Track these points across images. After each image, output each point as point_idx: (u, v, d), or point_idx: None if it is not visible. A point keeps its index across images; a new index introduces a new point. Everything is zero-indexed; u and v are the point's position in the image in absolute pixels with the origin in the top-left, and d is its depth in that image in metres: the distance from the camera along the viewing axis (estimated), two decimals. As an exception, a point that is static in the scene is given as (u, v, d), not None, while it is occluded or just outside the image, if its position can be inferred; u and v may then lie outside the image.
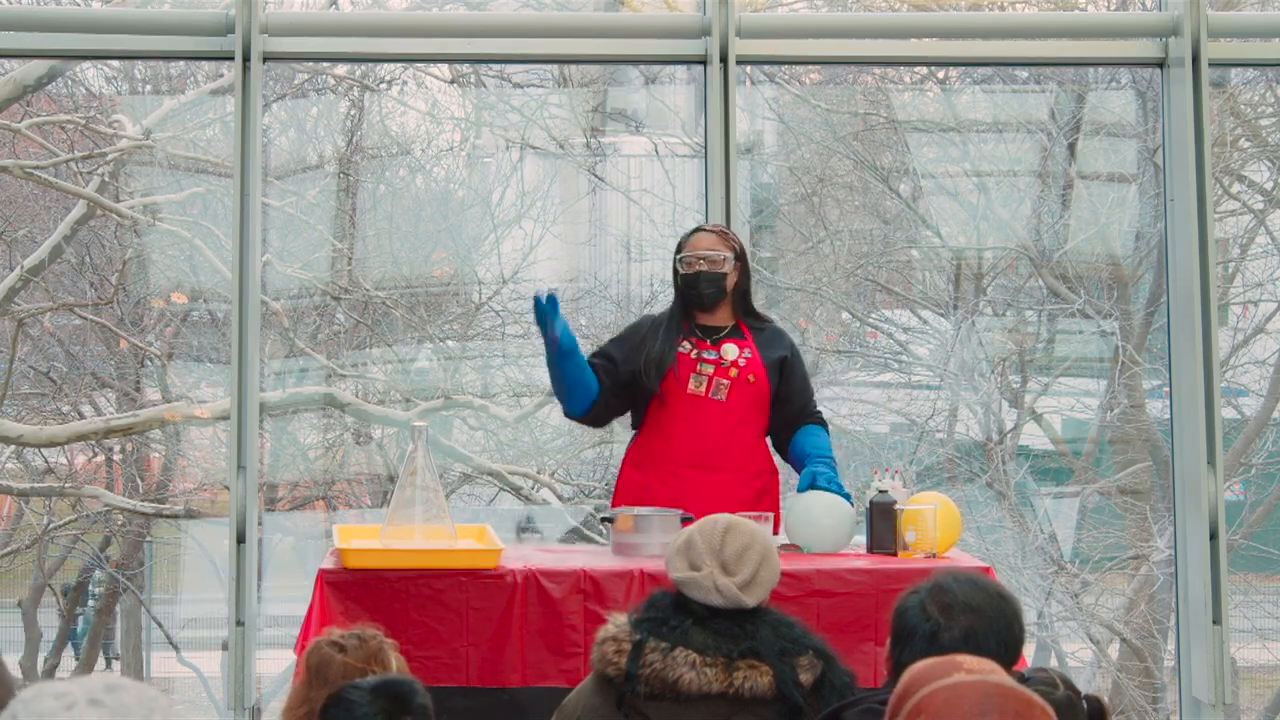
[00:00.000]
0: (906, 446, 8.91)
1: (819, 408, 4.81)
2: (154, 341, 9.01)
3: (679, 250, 4.72)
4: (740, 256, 4.72)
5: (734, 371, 4.63)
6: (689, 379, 4.62)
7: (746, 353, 4.66)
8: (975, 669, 2.28)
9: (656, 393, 4.63)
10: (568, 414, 4.76)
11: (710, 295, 4.66)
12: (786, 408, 4.69)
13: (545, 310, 4.46)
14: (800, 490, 4.53)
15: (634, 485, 4.66)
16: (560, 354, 4.54)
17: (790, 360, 4.70)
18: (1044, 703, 2.26)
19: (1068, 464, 9.10)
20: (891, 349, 9.14)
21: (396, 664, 3.22)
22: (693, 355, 4.64)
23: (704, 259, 4.65)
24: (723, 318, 4.70)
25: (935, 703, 2.24)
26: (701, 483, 4.54)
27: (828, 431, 4.75)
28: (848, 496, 4.49)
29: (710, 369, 4.62)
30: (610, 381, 4.66)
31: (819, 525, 4.39)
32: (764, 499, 4.63)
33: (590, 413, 4.71)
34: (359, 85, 9.00)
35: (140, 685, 1.82)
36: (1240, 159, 9.17)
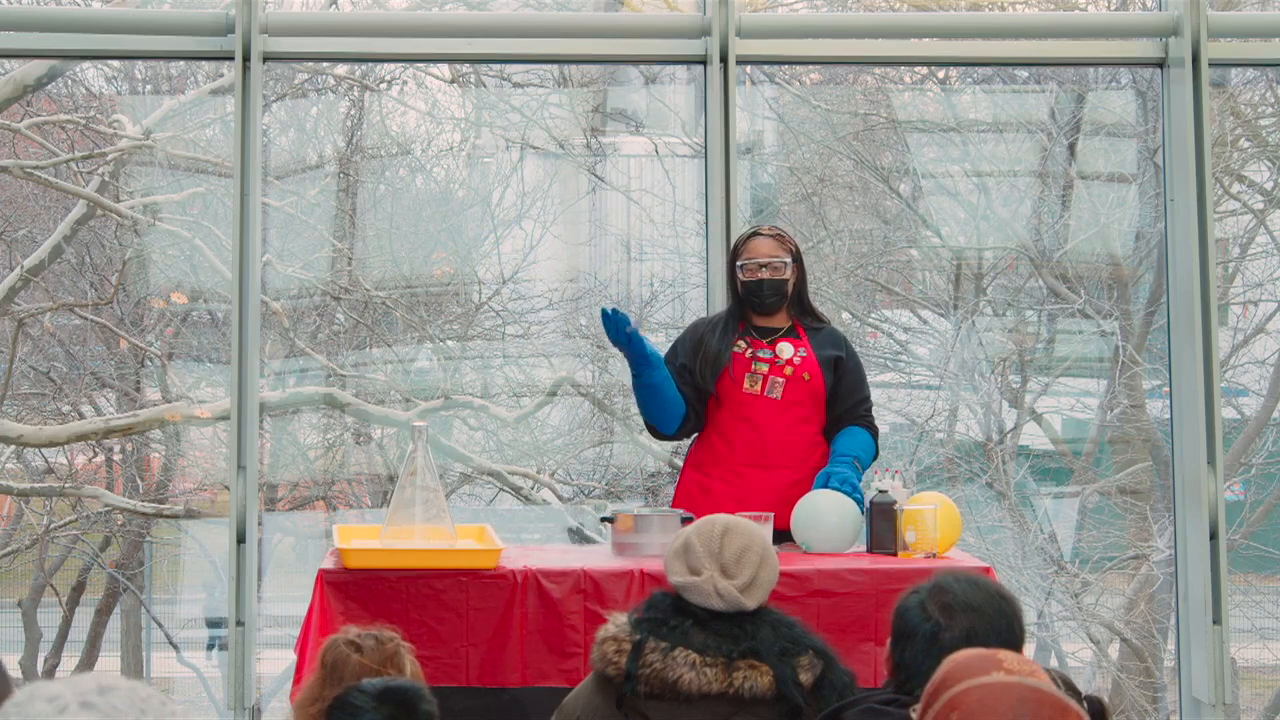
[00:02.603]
0: (906, 446, 8.90)
1: (871, 413, 4.78)
2: (154, 341, 9.01)
3: (736, 255, 4.73)
4: (797, 258, 4.74)
5: (789, 370, 4.64)
6: (744, 378, 4.63)
7: (801, 351, 4.67)
8: (1014, 669, 2.27)
9: (713, 393, 4.64)
10: (661, 434, 4.75)
11: (773, 302, 4.68)
12: (836, 407, 4.69)
13: (618, 323, 4.43)
14: (816, 488, 4.53)
15: (695, 486, 4.68)
16: (649, 371, 4.54)
17: (844, 360, 4.71)
18: (1079, 709, 2.25)
19: (1068, 464, 9.09)
20: (891, 349, 9.13)
21: (410, 668, 3.22)
22: (748, 354, 4.66)
23: (766, 265, 4.66)
24: (780, 319, 4.73)
25: (969, 700, 2.23)
26: (762, 481, 4.55)
27: (874, 435, 4.71)
28: (859, 498, 4.48)
29: (765, 367, 4.65)
30: (691, 392, 4.66)
31: (823, 525, 4.39)
32: None
33: (681, 430, 4.72)
34: (359, 85, 8.99)
35: (134, 684, 1.79)
36: (1240, 159, 9.16)
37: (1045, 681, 2.28)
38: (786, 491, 4.53)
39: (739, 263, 4.70)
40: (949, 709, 2.25)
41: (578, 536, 8.29)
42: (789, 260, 4.69)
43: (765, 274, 4.66)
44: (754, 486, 4.54)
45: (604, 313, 4.47)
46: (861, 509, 4.45)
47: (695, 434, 4.78)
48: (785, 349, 4.68)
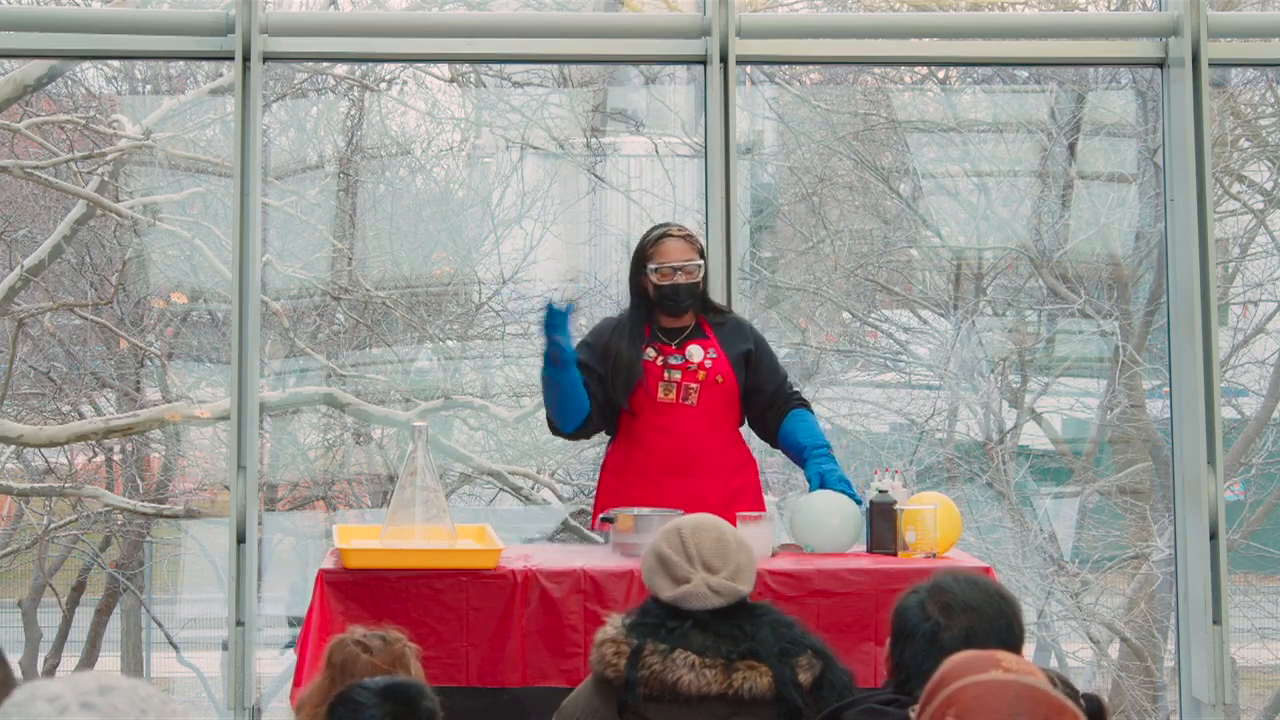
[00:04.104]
0: (906, 446, 8.90)
1: (796, 388, 4.76)
2: (154, 341, 9.00)
3: (646, 257, 4.62)
4: (703, 255, 4.68)
5: (701, 374, 4.59)
6: (658, 388, 4.58)
7: (711, 352, 4.62)
8: (1012, 668, 2.28)
9: (625, 407, 4.60)
10: (559, 431, 4.69)
11: (687, 305, 4.61)
12: (760, 396, 4.65)
13: (558, 319, 4.42)
14: (812, 490, 4.52)
15: (615, 493, 4.63)
16: (560, 366, 4.49)
17: (755, 351, 4.66)
18: (1076, 708, 2.26)
19: (1068, 464, 9.09)
20: (891, 349, 9.13)
21: (415, 670, 3.23)
22: (659, 362, 4.60)
23: (680, 269, 4.58)
24: (686, 318, 4.66)
25: (966, 698, 2.24)
26: (680, 488, 4.51)
27: (813, 413, 4.70)
28: (856, 496, 4.48)
29: (678, 374, 4.59)
30: (600, 395, 4.61)
31: (825, 525, 4.39)
32: (743, 495, 4.61)
33: (582, 429, 4.66)
34: (359, 85, 8.99)
35: (135, 684, 1.78)
36: (1240, 159, 9.16)
37: (1043, 680, 2.29)
38: (705, 497, 4.48)
39: (651, 266, 4.59)
40: (946, 706, 2.25)
41: (576, 536, 8.29)
42: (700, 261, 4.62)
43: (680, 278, 4.57)
44: (672, 493, 4.50)
45: (549, 304, 4.43)
46: (857, 503, 4.45)
47: (596, 434, 4.74)
48: (695, 352, 4.61)
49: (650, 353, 4.61)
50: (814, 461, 4.57)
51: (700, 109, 7.55)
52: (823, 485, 4.49)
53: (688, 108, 8.98)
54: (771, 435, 4.71)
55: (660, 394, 4.58)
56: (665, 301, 4.60)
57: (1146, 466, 8.72)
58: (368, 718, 2.88)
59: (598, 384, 4.60)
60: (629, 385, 4.57)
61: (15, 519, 9.42)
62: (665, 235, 4.64)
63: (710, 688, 3.20)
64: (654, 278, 4.60)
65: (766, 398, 4.66)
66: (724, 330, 4.67)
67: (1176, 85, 5.55)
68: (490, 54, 6.26)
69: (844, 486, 4.47)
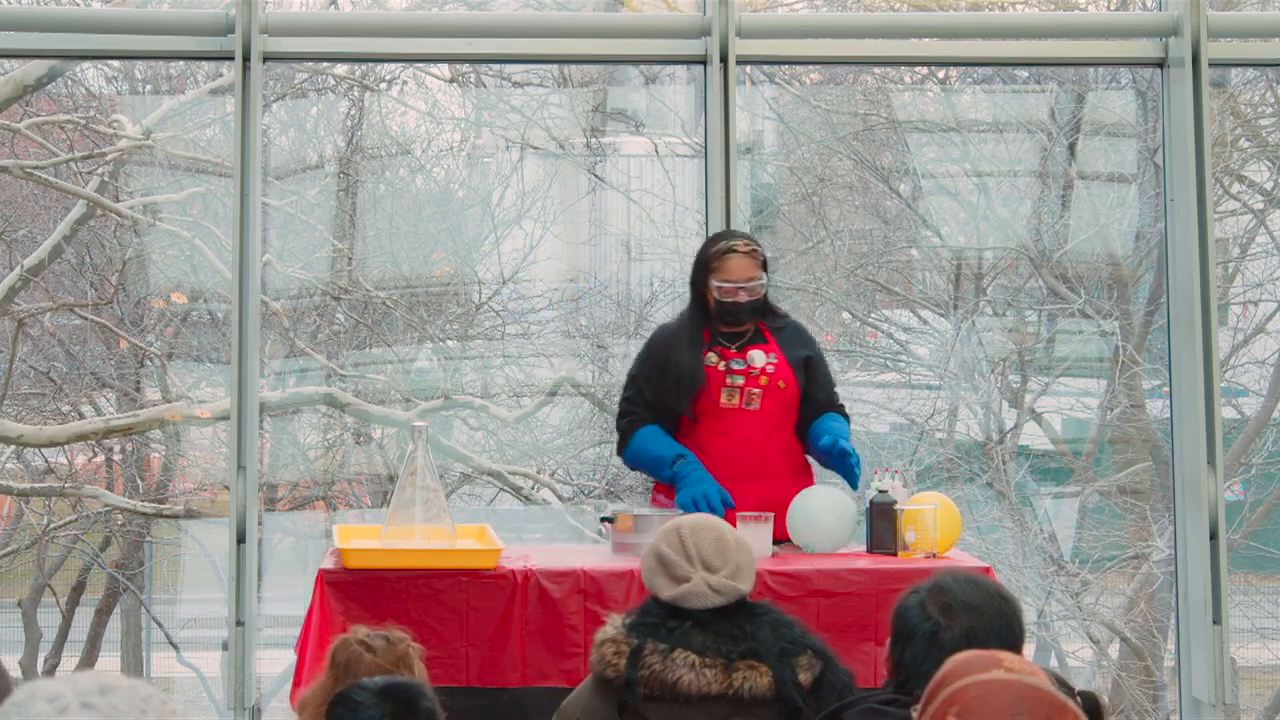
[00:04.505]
0: (906, 446, 8.90)
1: (841, 401, 4.77)
2: (154, 341, 9.01)
3: (709, 270, 4.58)
4: (766, 267, 4.67)
5: (764, 379, 4.58)
6: (720, 393, 4.56)
7: (773, 357, 4.61)
8: (1014, 668, 2.29)
9: (688, 414, 4.59)
10: (629, 464, 4.79)
11: (748, 320, 4.60)
12: (814, 404, 4.65)
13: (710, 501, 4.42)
14: (821, 447, 4.50)
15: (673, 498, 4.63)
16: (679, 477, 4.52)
17: (813, 359, 4.67)
18: (1078, 709, 2.26)
19: (1068, 464, 9.09)
20: (891, 349, 9.13)
21: (419, 670, 3.23)
22: (720, 367, 4.58)
23: (745, 289, 4.56)
24: (746, 324, 4.65)
25: (968, 697, 2.25)
26: (744, 493, 4.49)
27: (847, 421, 4.70)
28: (857, 468, 4.47)
29: (740, 379, 4.58)
30: (666, 419, 4.61)
31: (820, 525, 4.39)
32: None
33: None
34: (359, 85, 8.99)
35: (135, 684, 1.77)
36: (1240, 159, 9.17)
37: (1044, 680, 2.29)
38: (766, 500, 4.48)
39: (714, 282, 4.56)
40: (948, 705, 2.26)
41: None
42: (762, 279, 4.60)
43: (743, 296, 4.56)
44: (736, 499, 4.50)
45: (723, 502, 4.44)
46: (856, 467, 4.45)
47: None
48: (757, 357, 4.60)
49: (712, 358, 4.59)
50: (826, 420, 4.57)
51: (700, 109, 7.55)
52: (835, 443, 4.47)
53: (688, 108, 8.98)
54: (803, 437, 4.69)
55: (723, 399, 4.57)
56: (726, 316, 4.59)
57: (1146, 466, 8.73)
58: (367, 718, 2.88)
59: (658, 408, 4.60)
60: (692, 392, 4.56)
61: (15, 519, 9.42)
62: (731, 251, 4.58)
63: (710, 687, 3.20)
64: (716, 293, 4.57)
65: (819, 406, 4.66)
66: (783, 335, 4.66)
67: (1176, 85, 5.55)
68: (490, 54, 6.26)
69: (848, 450, 4.46)
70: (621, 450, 4.68)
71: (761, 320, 4.65)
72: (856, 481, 4.50)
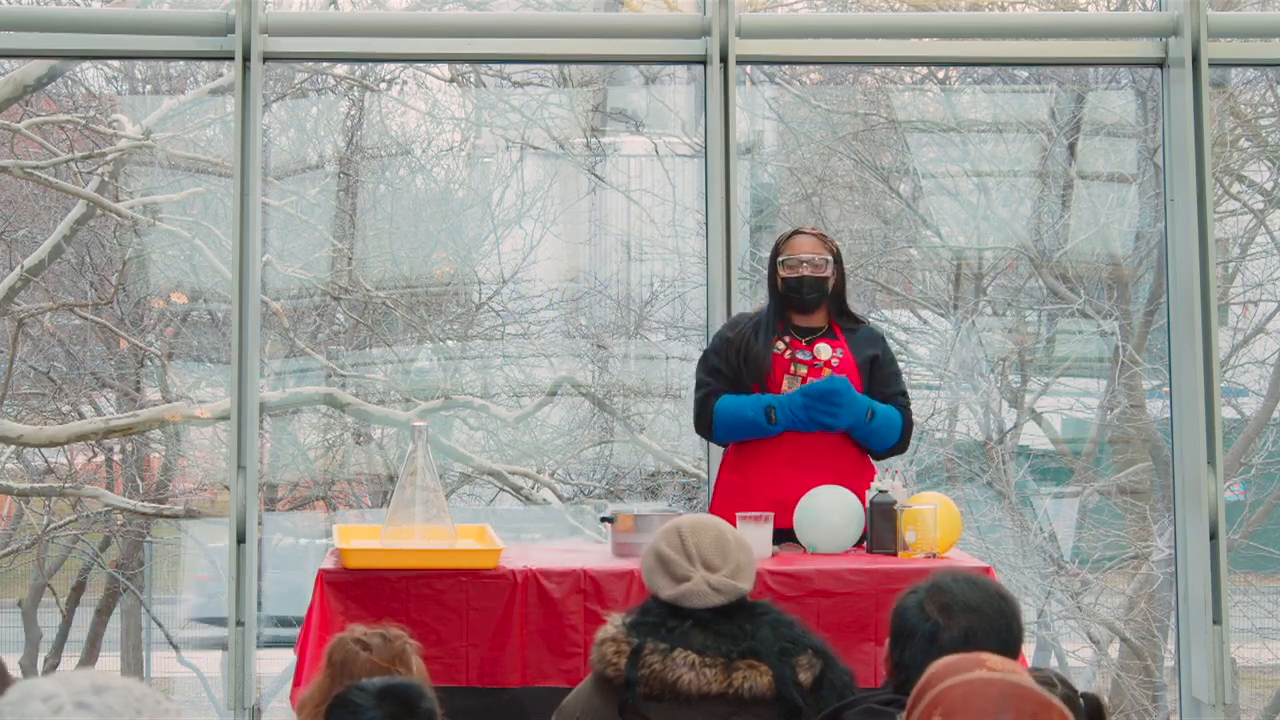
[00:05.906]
0: (906, 446, 8.89)
1: (909, 408, 4.80)
2: (154, 341, 9.00)
3: (778, 253, 4.75)
4: (838, 259, 4.76)
5: (827, 372, 4.67)
6: (783, 379, 4.66)
7: (839, 352, 4.71)
8: (997, 667, 2.30)
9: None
10: (714, 439, 4.86)
11: (813, 299, 4.71)
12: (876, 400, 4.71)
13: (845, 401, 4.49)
14: (821, 386, 4.56)
15: (733, 488, 4.69)
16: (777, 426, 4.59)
17: (880, 358, 4.75)
18: (1063, 706, 2.27)
19: (1068, 464, 9.09)
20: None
21: (416, 667, 3.22)
22: (787, 355, 4.70)
23: (807, 263, 4.70)
24: (818, 319, 4.75)
25: (953, 697, 2.25)
26: (801, 482, 4.54)
27: (902, 417, 4.72)
28: (858, 403, 4.52)
29: (804, 369, 4.68)
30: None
31: (825, 524, 4.39)
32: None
33: None
34: (359, 85, 8.99)
35: (129, 683, 1.76)
36: (1240, 159, 9.16)
37: (1028, 679, 2.30)
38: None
39: (780, 258, 4.73)
40: (932, 708, 2.26)
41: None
42: (830, 259, 4.73)
43: (806, 270, 4.69)
44: (792, 487, 4.53)
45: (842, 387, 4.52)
46: (864, 412, 4.52)
47: None
48: (824, 350, 4.71)
49: (780, 345, 4.71)
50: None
51: (700, 109, 7.55)
52: (830, 383, 4.55)
53: (688, 108, 8.98)
54: None
55: (785, 386, 4.67)
56: (791, 293, 4.70)
57: (1146, 466, 8.72)
58: (366, 719, 2.87)
59: (734, 384, 4.69)
60: (758, 376, 4.66)
61: (15, 519, 9.42)
62: (797, 232, 4.79)
63: (710, 687, 3.20)
64: (782, 270, 4.72)
65: (880, 400, 4.71)
66: (855, 336, 4.77)
67: (1176, 85, 5.55)
68: (490, 54, 6.26)
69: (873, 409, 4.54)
70: (702, 421, 4.75)
71: (836, 321, 4.76)
72: (849, 399, 4.54)
